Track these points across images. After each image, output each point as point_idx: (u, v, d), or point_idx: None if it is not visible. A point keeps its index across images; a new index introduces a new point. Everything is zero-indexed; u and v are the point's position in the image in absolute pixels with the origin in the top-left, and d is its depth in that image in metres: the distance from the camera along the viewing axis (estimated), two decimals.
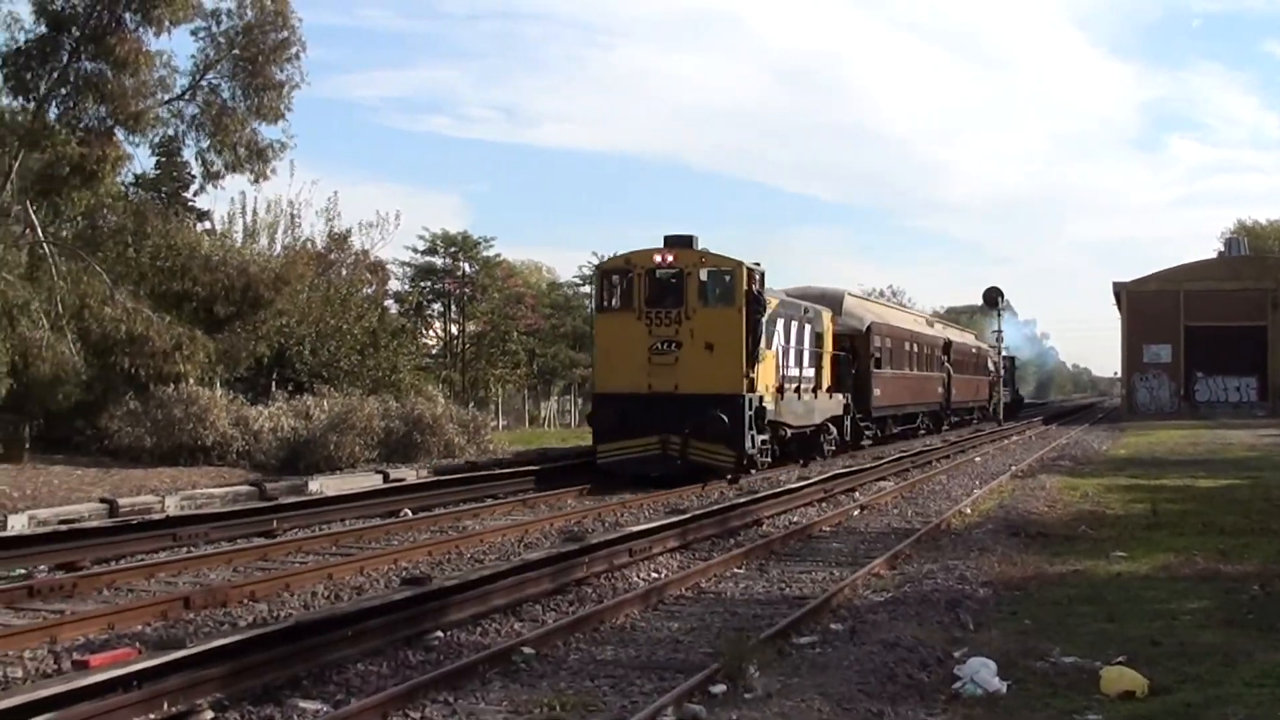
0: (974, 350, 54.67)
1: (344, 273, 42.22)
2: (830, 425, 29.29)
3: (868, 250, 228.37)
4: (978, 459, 30.69)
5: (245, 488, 19.26)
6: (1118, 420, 59.15)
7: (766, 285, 24.13)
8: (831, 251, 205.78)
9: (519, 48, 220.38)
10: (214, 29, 27.11)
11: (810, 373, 28.03)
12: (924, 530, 15.89)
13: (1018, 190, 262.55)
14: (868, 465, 25.35)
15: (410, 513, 18.31)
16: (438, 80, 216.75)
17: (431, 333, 53.27)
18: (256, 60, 27.19)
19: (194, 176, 35.05)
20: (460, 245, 52.52)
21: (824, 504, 19.75)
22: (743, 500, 17.95)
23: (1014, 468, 27.02)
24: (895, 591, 11.67)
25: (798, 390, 26.56)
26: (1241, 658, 8.63)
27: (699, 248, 23.33)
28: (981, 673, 7.98)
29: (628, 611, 10.64)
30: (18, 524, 14.93)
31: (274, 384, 31.65)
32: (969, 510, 18.49)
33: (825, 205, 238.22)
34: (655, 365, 22.85)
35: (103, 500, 16.96)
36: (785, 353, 25.93)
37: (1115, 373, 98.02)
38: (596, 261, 44.77)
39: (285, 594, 11.65)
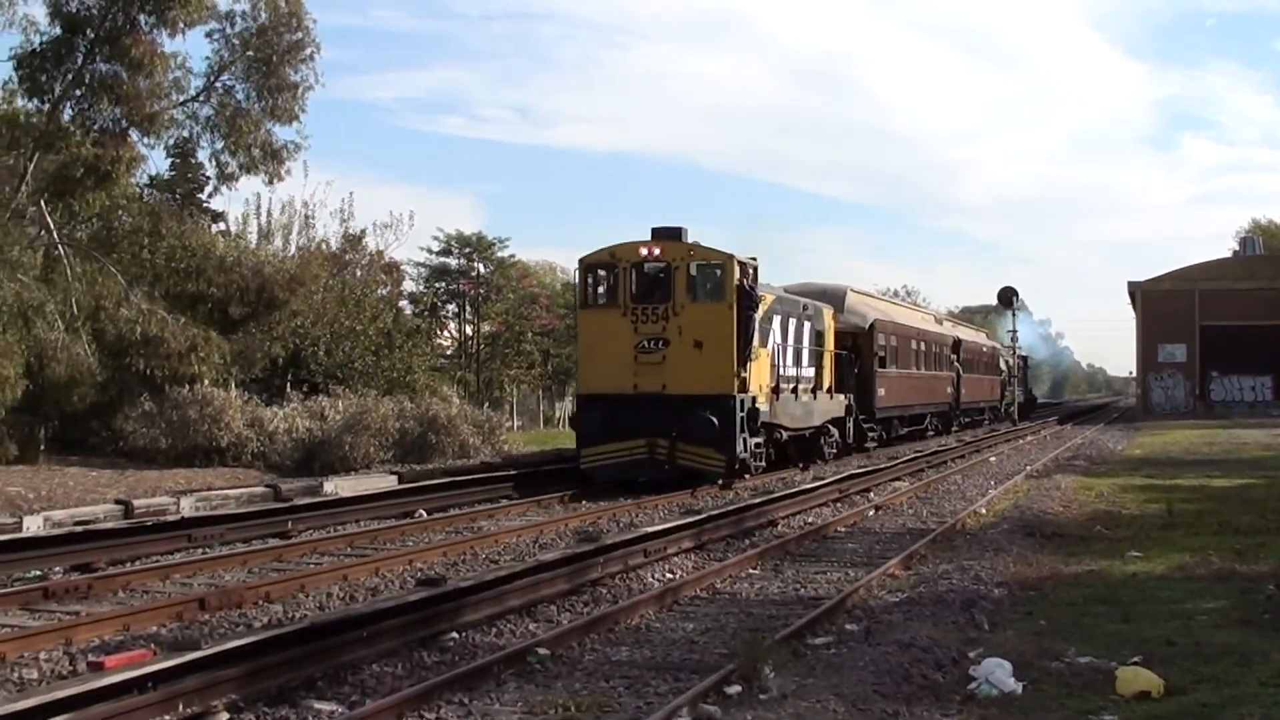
0: (985, 349, 53.88)
1: (359, 273, 42.32)
2: (831, 427, 28.27)
3: (884, 250, 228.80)
4: (992, 459, 30.58)
5: (260, 489, 19.30)
6: (1133, 420, 58.93)
7: (762, 280, 23.34)
8: (847, 252, 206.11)
9: (534, 48, 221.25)
10: (228, 30, 27.27)
11: (810, 372, 27.03)
12: (939, 530, 15.86)
13: (1033, 190, 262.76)
14: (882, 465, 25.26)
15: (425, 513, 18.33)
16: (452, 81, 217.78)
17: (446, 333, 53.34)
18: (271, 61, 27.27)
19: (208, 178, 35.26)
20: (475, 246, 52.58)
21: (839, 504, 19.72)
22: (758, 501, 17.92)
23: (1029, 468, 26.91)
24: (910, 592, 11.65)
25: (795, 390, 25.56)
26: (1257, 658, 8.59)
27: (688, 240, 22.29)
28: (997, 673, 7.97)
29: (643, 612, 10.65)
30: (33, 525, 14.98)
31: (289, 385, 31.69)
32: (984, 510, 18.45)
33: (841, 205, 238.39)
34: (641, 364, 21.79)
35: (118, 501, 17.01)
36: (782, 351, 24.84)
37: (1130, 372, 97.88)
38: None
39: (300, 595, 11.68)
